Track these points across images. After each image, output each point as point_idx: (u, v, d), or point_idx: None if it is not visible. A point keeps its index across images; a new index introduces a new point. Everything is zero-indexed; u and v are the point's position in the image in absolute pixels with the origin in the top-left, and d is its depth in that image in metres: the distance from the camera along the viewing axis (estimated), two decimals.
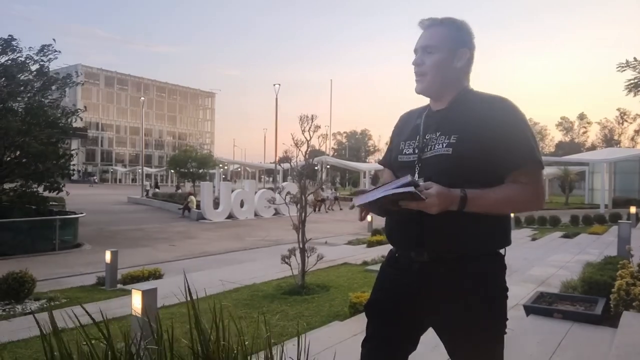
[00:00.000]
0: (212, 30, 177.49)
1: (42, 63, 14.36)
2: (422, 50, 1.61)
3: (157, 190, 22.05)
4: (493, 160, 1.48)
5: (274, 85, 34.64)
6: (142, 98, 50.57)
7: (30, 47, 14.38)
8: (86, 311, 1.76)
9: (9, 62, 14.02)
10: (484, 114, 1.52)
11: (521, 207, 1.62)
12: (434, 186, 1.40)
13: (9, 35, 14.11)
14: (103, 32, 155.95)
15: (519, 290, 5.44)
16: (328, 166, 41.24)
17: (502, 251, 1.58)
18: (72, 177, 15.13)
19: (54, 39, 14.59)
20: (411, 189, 1.37)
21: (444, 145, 1.52)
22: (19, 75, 13.98)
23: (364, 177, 41.20)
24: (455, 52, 1.59)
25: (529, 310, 4.28)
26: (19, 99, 13.86)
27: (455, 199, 1.42)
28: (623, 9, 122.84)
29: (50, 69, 14.70)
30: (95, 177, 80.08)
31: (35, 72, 14.29)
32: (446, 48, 1.58)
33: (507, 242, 1.58)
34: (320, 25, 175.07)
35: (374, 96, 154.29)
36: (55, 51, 14.48)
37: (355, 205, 1.47)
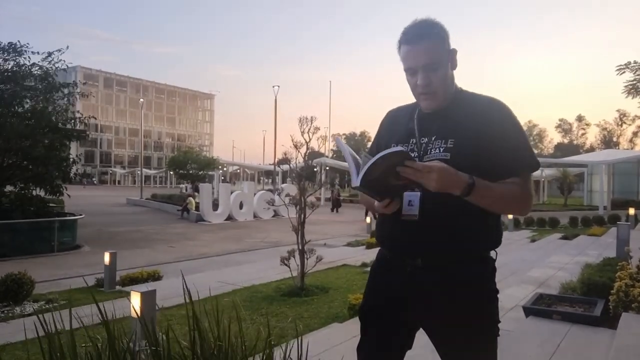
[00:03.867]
0: (211, 32, 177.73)
1: (47, 69, 14.55)
2: (425, 69, 1.52)
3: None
4: (490, 165, 1.47)
5: (273, 86, 34.72)
6: (141, 100, 50.59)
7: (36, 52, 14.55)
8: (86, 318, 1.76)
9: (15, 67, 14.23)
10: (479, 118, 1.51)
11: (516, 207, 1.58)
12: (438, 163, 1.36)
13: (17, 41, 14.35)
14: (103, 32, 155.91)
15: (518, 292, 5.45)
16: (327, 168, 41.23)
17: (492, 254, 1.59)
18: (72, 181, 15.23)
19: (67, 46, 14.83)
20: (400, 147, 1.34)
21: (441, 149, 1.51)
22: (24, 82, 14.18)
23: None
24: (450, 58, 1.57)
25: (528, 311, 4.28)
26: (24, 102, 13.99)
27: (462, 183, 1.37)
28: (623, 10, 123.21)
29: (50, 70, 14.84)
30: (93, 179, 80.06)
31: (39, 78, 14.46)
32: (445, 59, 1.55)
33: (497, 244, 1.58)
34: (319, 26, 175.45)
35: (373, 97, 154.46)
36: (61, 60, 14.73)
37: (355, 187, 1.39)
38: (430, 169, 1.33)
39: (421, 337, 1.65)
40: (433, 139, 1.54)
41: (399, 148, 1.34)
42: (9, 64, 14.19)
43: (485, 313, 1.53)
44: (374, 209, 1.61)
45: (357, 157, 1.46)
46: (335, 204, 28.65)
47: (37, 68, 14.48)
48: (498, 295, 1.58)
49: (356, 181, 1.37)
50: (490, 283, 1.57)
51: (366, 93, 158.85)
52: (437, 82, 1.53)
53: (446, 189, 1.36)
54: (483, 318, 1.53)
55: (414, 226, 1.51)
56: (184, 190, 33.05)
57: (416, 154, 1.55)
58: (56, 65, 14.60)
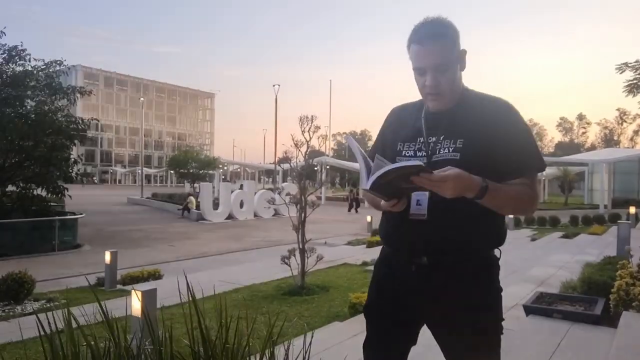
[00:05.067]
0: (211, 31, 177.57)
1: (51, 73, 15.01)
2: (434, 70, 1.51)
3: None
4: (498, 165, 1.48)
5: (274, 85, 34.84)
6: (142, 99, 50.56)
7: (39, 59, 15.06)
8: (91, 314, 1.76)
9: (19, 69, 14.53)
10: (488, 119, 1.51)
11: (523, 208, 1.58)
12: (452, 169, 1.35)
13: (20, 44, 14.71)
14: (103, 32, 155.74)
15: (518, 291, 5.45)
16: (328, 167, 41.25)
17: (496, 252, 1.59)
18: (73, 181, 15.34)
19: (65, 59, 15.56)
20: (418, 161, 1.33)
21: (451, 149, 1.51)
22: (27, 82, 14.36)
23: None
24: (460, 59, 1.56)
25: (529, 310, 4.28)
26: (26, 104, 14.16)
27: (476, 186, 1.37)
28: (623, 9, 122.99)
29: (51, 70, 15.12)
30: (94, 178, 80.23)
31: (43, 82, 14.80)
32: (454, 61, 1.53)
33: (501, 243, 1.59)
34: (319, 25, 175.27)
35: (373, 96, 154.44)
36: (58, 61, 15.25)
37: (365, 189, 1.39)
38: (446, 178, 1.33)
39: (421, 336, 1.66)
40: (442, 138, 1.54)
41: (417, 162, 1.34)
42: (10, 67, 14.42)
43: (489, 311, 1.54)
44: (380, 207, 1.61)
45: (368, 158, 1.45)
46: (355, 203, 28.51)
47: (40, 72, 14.86)
48: (501, 294, 1.59)
49: (366, 184, 1.36)
50: (494, 282, 1.58)
51: (367, 92, 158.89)
52: (446, 83, 1.53)
53: (460, 194, 1.36)
54: (487, 316, 1.53)
55: (420, 225, 1.51)
56: (197, 190, 33.16)
57: (424, 153, 1.55)
58: (57, 69, 15.07)
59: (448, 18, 1.55)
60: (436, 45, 1.50)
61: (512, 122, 1.52)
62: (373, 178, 1.34)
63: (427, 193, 1.49)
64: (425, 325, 1.64)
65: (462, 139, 1.50)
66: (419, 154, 1.57)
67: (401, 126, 1.69)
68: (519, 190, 1.48)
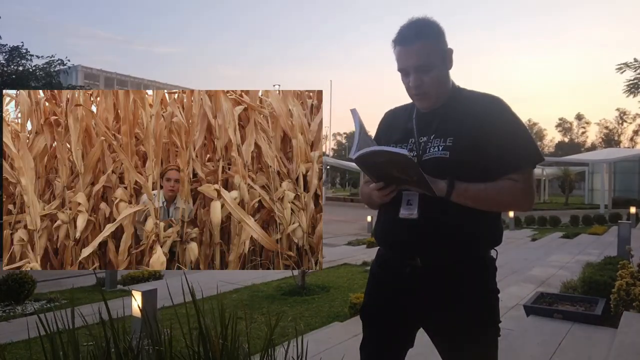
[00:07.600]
0: (212, 31, 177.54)
1: (51, 72, 15.36)
2: (417, 70, 1.52)
3: None
4: (489, 162, 1.48)
5: (274, 85, 34.86)
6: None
7: (40, 56, 15.31)
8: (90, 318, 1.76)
9: (20, 69, 14.70)
10: (477, 116, 1.51)
11: (509, 203, 1.55)
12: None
13: (21, 44, 14.94)
14: (104, 32, 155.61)
15: (519, 291, 5.45)
16: (328, 167, 41.30)
17: (493, 253, 1.58)
18: None
19: (67, 57, 15.93)
20: (405, 151, 1.38)
21: (440, 148, 1.51)
22: (27, 83, 14.50)
23: (364, 178, 41.26)
24: (444, 59, 1.56)
25: (529, 310, 4.28)
26: None
27: (442, 190, 1.45)
28: (623, 9, 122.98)
29: (52, 69, 15.37)
30: None
31: (42, 81, 15.02)
32: (438, 60, 1.53)
33: (497, 243, 1.58)
34: (319, 25, 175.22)
35: (373, 96, 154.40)
36: (60, 59, 15.62)
37: (351, 158, 1.44)
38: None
39: (422, 337, 1.65)
40: (432, 137, 1.54)
41: (404, 151, 1.38)
42: (13, 67, 14.56)
43: (485, 313, 1.53)
44: (372, 203, 1.63)
45: (367, 133, 1.52)
46: None
47: (40, 71, 15.10)
48: (499, 295, 1.58)
49: (353, 155, 1.43)
50: (490, 283, 1.56)
51: (367, 92, 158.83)
52: (429, 82, 1.53)
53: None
54: (483, 318, 1.52)
55: (412, 226, 1.51)
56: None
57: (415, 154, 1.55)
58: (57, 69, 15.22)
59: (432, 17, 1.55)
60: (418, 46, 1.50)
61: (500, 118, 1.51)
62: (360, 152, 1.40)
63: (417, 193, 1.50)
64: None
65: (451, 137, 1.51)
66: (410, 154, 1.57)
67: (393, 129, 1.70)
68: (500, 186, 1.47)
